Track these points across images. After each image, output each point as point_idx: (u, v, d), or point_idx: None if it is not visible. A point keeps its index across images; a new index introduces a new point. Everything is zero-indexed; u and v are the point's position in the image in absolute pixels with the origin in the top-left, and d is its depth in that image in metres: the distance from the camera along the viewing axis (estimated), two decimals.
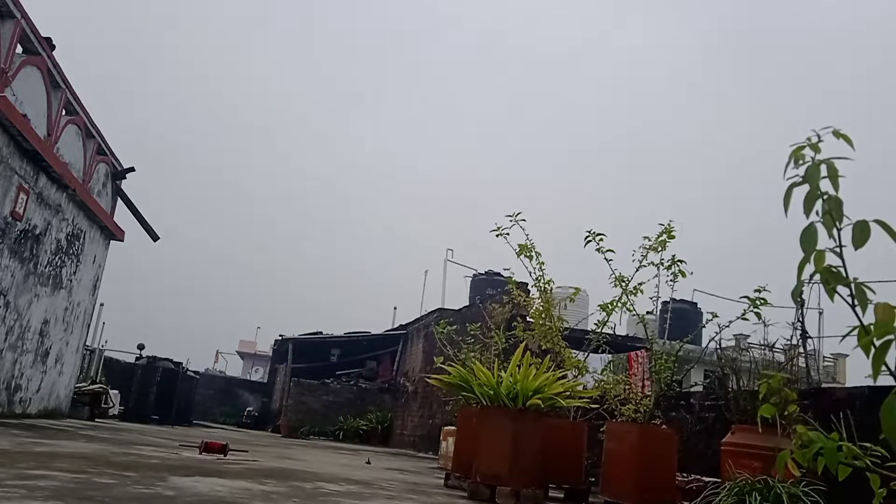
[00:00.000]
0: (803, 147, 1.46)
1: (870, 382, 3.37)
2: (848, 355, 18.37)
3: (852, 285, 1.34)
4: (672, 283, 5.22)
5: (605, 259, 5.42)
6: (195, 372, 18.97)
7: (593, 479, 5.81)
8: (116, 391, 14.47)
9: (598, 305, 5.79)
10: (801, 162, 1.45)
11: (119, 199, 12.49)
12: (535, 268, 6.03)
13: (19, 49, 7.87)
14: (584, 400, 5.40)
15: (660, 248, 5.25)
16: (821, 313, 14.50)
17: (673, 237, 5.24)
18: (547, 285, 6.10)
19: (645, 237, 5.34)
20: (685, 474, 4.93)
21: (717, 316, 5.03)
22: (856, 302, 1.34)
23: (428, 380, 6.16)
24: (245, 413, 24.54)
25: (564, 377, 5.41)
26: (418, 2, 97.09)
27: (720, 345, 5.19)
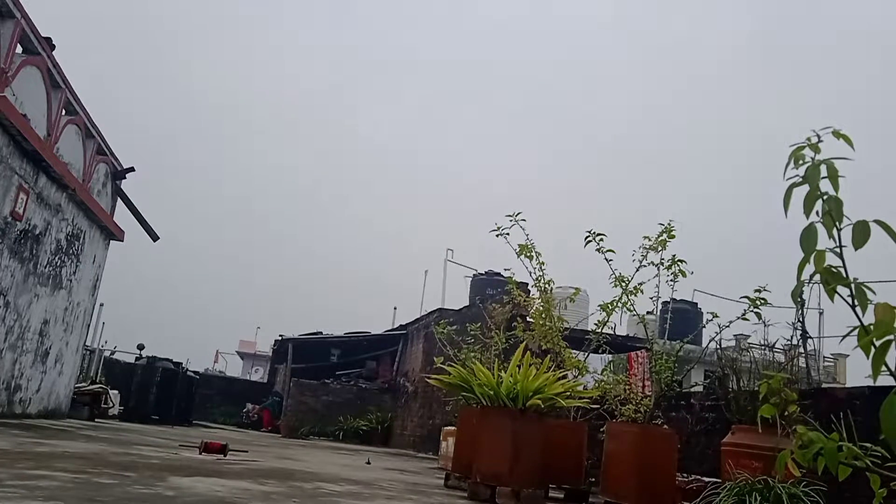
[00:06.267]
0: (803, 147, 1.46)
1: (870, 382, 3.37)
2: (848, 355, 18.36)
3: (852, 285, 1.34)
4: (672, 283, 5.22)
5: (606, 259, 5.42)
6: (195, 372, 18.95)
7: (593, 480, 5.80)
8: (116, 391, 14.46)
9: (599, 305, 5.78)
10: (800, 162, 1.45)
11: (119, 199, 12.50)
12: (535, 268, 6.03)
13: (19, 49, 7.87)
14: (584, 400, 5.40)
15: (660, 248, 5.25)
16: (821, 313, 14.50)
17: (673, 237, 5.24)
18: (547, 285, 6.10)
19: (645, 237, 5.34)
20: (685, 474, 4.92)
21: (717, 316, 5.03)
22: (856, 302, 1.34)
23: (428, 380, 6.15)
24: (245, 413, 24.52)
25: (564, 377, 5.41)
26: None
27: (720, 345, 5.19)
